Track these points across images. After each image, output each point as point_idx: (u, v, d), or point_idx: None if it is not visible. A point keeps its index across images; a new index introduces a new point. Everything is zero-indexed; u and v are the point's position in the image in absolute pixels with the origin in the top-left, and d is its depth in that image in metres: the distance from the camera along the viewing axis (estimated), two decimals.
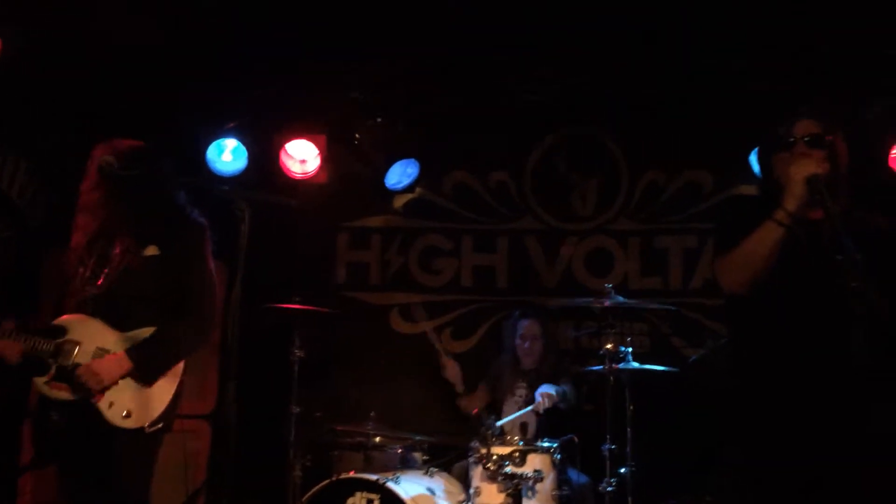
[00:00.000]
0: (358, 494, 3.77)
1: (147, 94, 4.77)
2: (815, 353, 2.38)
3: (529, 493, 3.85)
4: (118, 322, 2.91)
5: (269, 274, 4.31)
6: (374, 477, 3.79)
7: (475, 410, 4.14)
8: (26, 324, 2.90)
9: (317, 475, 4.03)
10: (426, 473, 4.07)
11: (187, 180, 3.16)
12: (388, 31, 4.45)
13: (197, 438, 4.91)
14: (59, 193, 4.68)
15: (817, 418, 2.34)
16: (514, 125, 5.39)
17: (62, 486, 2.90)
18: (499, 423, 4.36)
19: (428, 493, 3.91)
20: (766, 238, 2.37)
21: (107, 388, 2.82)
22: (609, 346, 4.22)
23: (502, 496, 3.84)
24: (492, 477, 3.88)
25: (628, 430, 4.21)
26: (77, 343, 2.86)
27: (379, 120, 5.10)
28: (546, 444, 4.01)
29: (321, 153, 5.10)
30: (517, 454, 3.91)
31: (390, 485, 3.71)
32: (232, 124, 5.01)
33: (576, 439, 4.19)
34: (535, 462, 3.92)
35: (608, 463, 4.11)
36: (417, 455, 4.32)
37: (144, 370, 2.88)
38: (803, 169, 2.34)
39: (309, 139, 5.09)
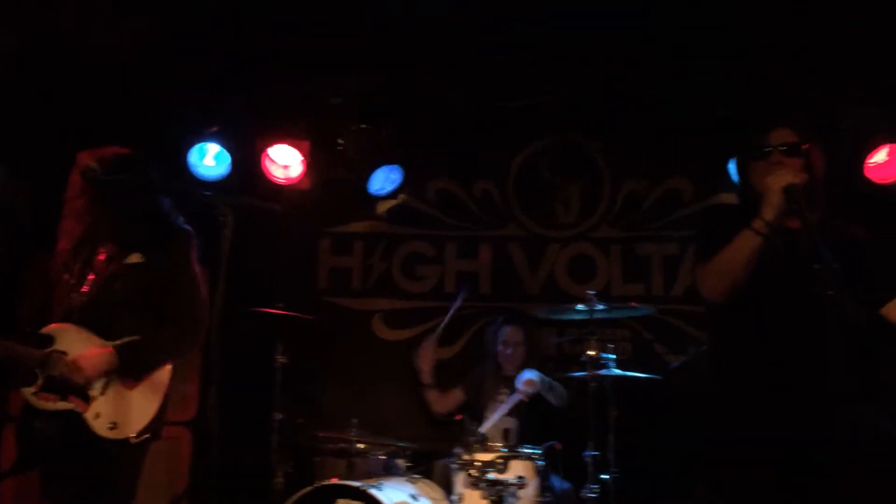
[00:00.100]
0: (340, 501, 3.75)
1: (130, 97, 4.75)
2: (793, 361, 2.41)
3: (512, 500, 3.86)
4: (104, 330, 2.90)
5: (251, 279, 4.30)
6: (356, 483, 3.77)
7: (458, 416, 4.14)
8: (13, 331, 2.89)
9: (299, 482, 4.01)
10: (409, 480, 4.06)
11: (170, 185, 3.15)
12: (373, 38, 4.46)
13: (178, 445, 4.88)
14: (43, 197, 4.65)
15: (795, 425, 2.37)
16: (498, 133, 5.41)
17: (46, 493, 2.88)
18: (483, 427, 4.37)
19: (411, 499, 3.91)
20: (743, 247, 2.40)
21: (90, 380, 2.81)
22: (591, 352, 4.23)
23: (485, 503, 3.84)
24: (474, 483, 3.89)
25: (610, 436, 4.23)
26: (64, 353, 2.85)
27: (363, 126, 5.11)
28: (529, 451, 4.02)
29: (304, 158, 5.10)
30: (500, 461, 3.92)
31: (373, 491, 3.71)
32: (214, 129, 5.00)
33: (558, 446, 4.20)
34: (517, 468, 3.93)
35: (590, 469, 4.13)
36: (400, 462, 4.31)
37: (130, 366, 2.87)
38: (780, 178, 2.37)
39: (292, 144, 5.09)
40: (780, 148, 2.50)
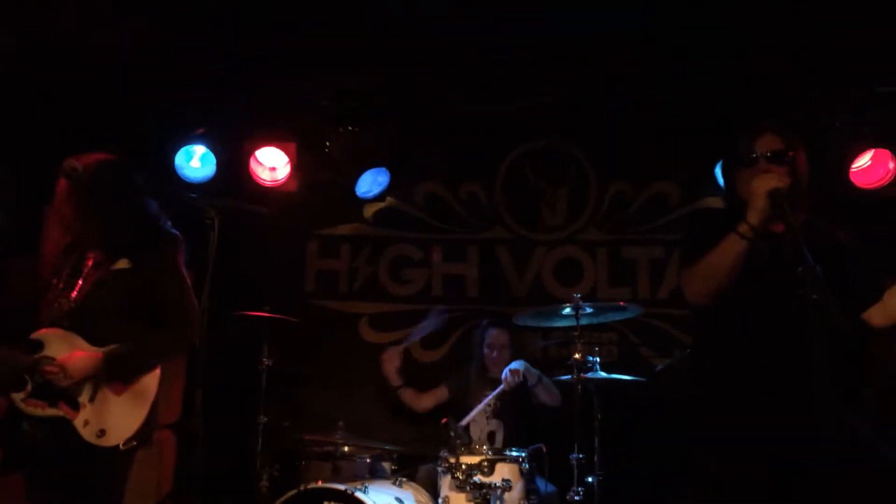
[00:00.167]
0: None
1: (116, 99, 4.73)
2: (776, 363, 2.43)
3: (497, 503, 3.86)
4: (94, 337, 2.90)
5: (237, 281, 4.29)
6: (342, 487, 3.77)
7: (444, 420, 4.14)
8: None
9: (284, 485, 4.00)
10: (395, 483, 4.06)
11: (156, 187, 3.13)
12: (362, 40, 4.46)
13: (163, 448, 4.85)
14: (25, 198, 4.62)
15: (778, 427, 2.38)
16: (485, 136, 5.42)
17: (30, 496, 2.87)
18: (464, 421, 4.38)
19: (396, 502, 3.90)
20: (729, 250, 2.42)
21: (74, 381, 2.79)
22: (577, 355, 4.24)
23: None
24: (460, 486, 3.89)
25: (596, 439, 4.24)
26: (53, 360, 2.84)
27: (350, 128, 5.10)
28: (514, 454, 4.02)
29: (291, 161, 5.09)
30: (485, 463, 3.92)
31: (358, 494, 3.70)
32: (201, 131, 4.98)
33: (544, 448, 4.20)
34: (503, 471, 3.93)
35: (576, 472, 4.13)
36: (386, 465, 4.31)
37: (117, 371, 2.86)
38: (765, 183, 2.39)
39: (279, 147, 5.08)
40: (766, 155, 2.52)
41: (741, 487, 2.42)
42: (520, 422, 4.67)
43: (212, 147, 4.99)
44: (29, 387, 2.81)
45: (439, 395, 4.97)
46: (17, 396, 2.81)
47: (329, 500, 3.75)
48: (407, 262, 5.56)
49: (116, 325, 2.91)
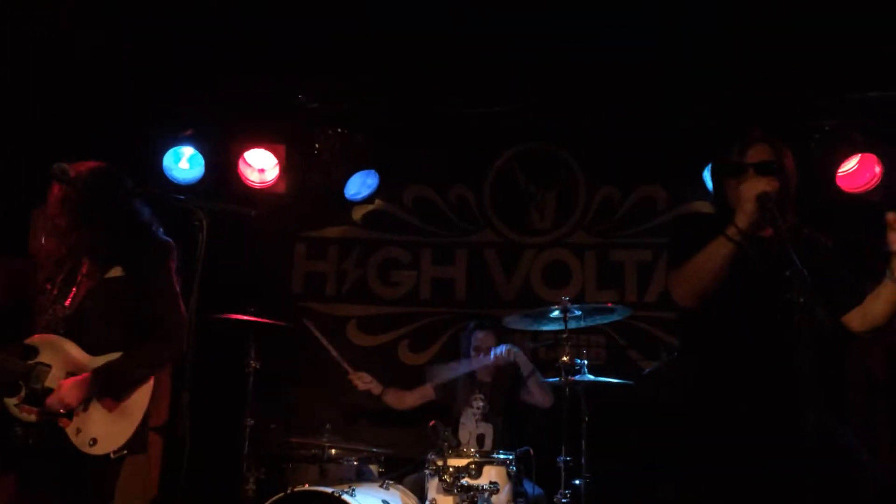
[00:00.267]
0: None
1: (104, 100, 4.71)
2: (762, 367, 2.44)
3: None
4: (88, 344, 2.93)
5: (225, 283, 4.26)
6: (329, 490, 3.75)
7: (431, 422, 4.13)
8: None
9: (271, 488, 3.98)
10: (382, 486, 4.05)
11: (144, 189, 3.13)
12: (350, 43, 4.46)
13: (149, 451, 4.81)
14: (10, 199, 4.59)
15: (764, 430, 2.39)
16: (475, 139, 5.43)
17: (21, 498, 2.88)
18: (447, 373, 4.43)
19: None
20: (716, 253, 2.43)
21: (71, 408, 2.82)
22: (565, 358, 4.25)
23: None
24: (448, 489, 3.88)
25: (583, 441, 4.25)
26: (48, 367, 2.86)
27: (339, 131, 5.09)
28: (502, 456, 4.02)
29: (280, 163, 5.07)
30: (473, 466, 3.92)
31: (346, 498, 3.69)
32: (189, 132, 4.96)
33: (531, 451, 4.21)
34: (490, 474, 3.93)
35: (563, 475, 4.14)
36: (373, 468, 4.30)
37: (109, 389, 2.90)
38: (754, 187, 2.41)
39: (268, 148, 5.07)
40: (756, 165, 2.55)
41: (727, 490, 2.43)
42: (508, 425, 4.67)
43: (200, 148, 4.98)
44: (23, 392, 2.83)
45: (425, 392, 4.95)
46: (11, 402, 2.83)
47: None
48: (395, 264, 5.56)
49: (110, 332, 2.95)
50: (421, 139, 5.42)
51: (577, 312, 4.29)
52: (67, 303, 2.93)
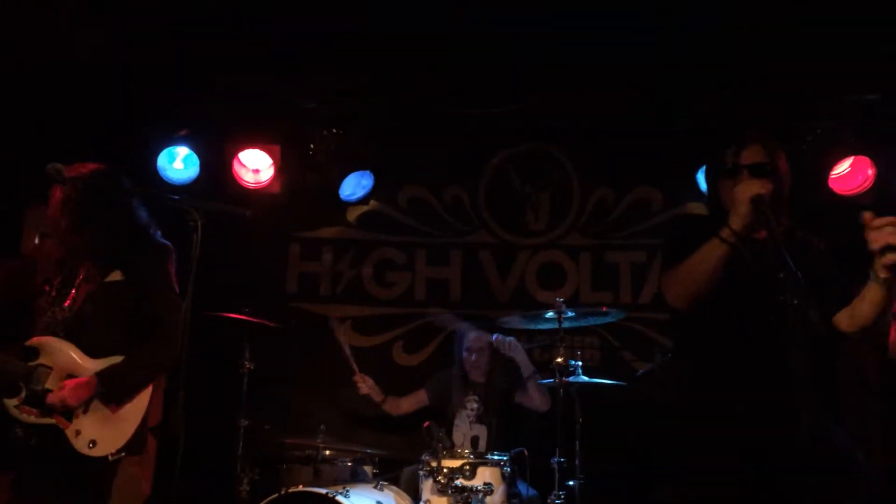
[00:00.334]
0: None
1: (99, 99, 4.69)
2: (756, 368, 2.45)
3: None
4: (88, 346, 2.94)
5: (219, 283, 4.26)
6: (323, 491, 3.75)
7: (426, 423, 4.13)
8: None
9: (265, 489, 3.98)
10: (376, 487, 4.05)
11: (142, 189, 3.13)
12: (345, 44, 4.46)
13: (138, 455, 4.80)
14: (2, 201, 4.58)
15: (757, 430, 2.40)
16: (470, 140, 5.43)
17: (17, 497, 2.88)
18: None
19: None
20: (710, 255, 2.44)
21: (72, 409, 2.83)
22: (559, 359, 4.25)
23: None
24: (442, 490, 3.88)
25: (577, 443, 4.25)
26: (49, 368, 2.88)
27: (334, 131, 5.09)
28: (496, 457, 4.02)
29: (275, 163, 5.07)
30: (467, 467, 3.92)
31: (340, 498, 3.68)
32: (184, 132, 4.95)
33: (526, 452, 4.21)
34: (484, 475, 3.93)
35: (557, 476, 4.14)
36: (367, 468, 4.29)
37: (112, 393, 2.92)
38: (748, 189, 2.41)
39: (263, 149, 5.06)
40: (750, 166, 2.55)
41: (721, 491, 2.43)
42: (503, 426, 4.67)
43: (195, 149, 4.97)
44: (23, 394, 2.84)
45: (419, 397, 4.95)
46: (11, 403, 2.84)
47: None
48: (390, 265, 5.56)
49: (110, 335, 2.96)
50: (416, 140, 5.42)
51: (570, 314, 4.30)
52: (67, 305, 2.94)
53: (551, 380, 4.29)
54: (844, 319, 2.50)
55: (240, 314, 4.30)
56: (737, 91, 4.73)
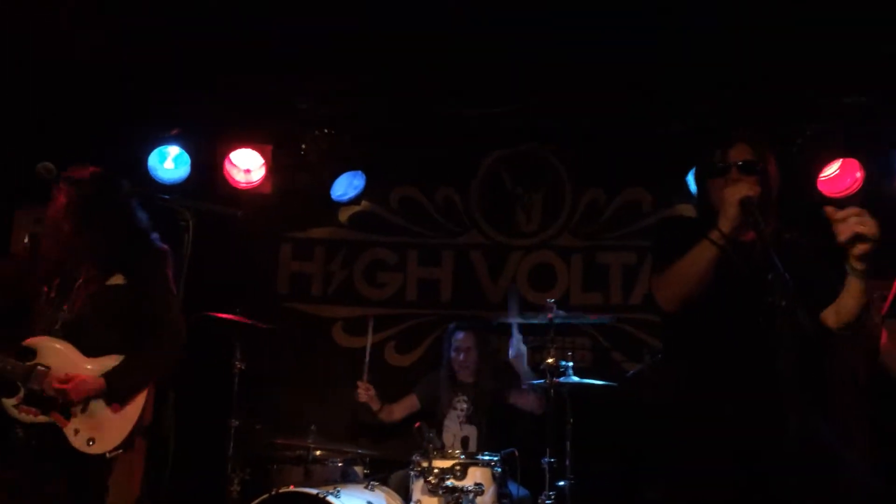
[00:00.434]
0: None
1: (90, 99, 4.68)
2: (745, 369, 2.46)
3: None
4: (86, 347, 2.95)
5: (210, 283, 4.25)
6: (313, 491, 3.75)
7: (416, 424, 4.14)
8: None
9: (256, 489, 3.97)
10: (367, 487, 4.05)
11: (139, 190, 3.14)
12: (337, 44, 4.45)
13: (132, 452, 4.79)
14: None
15: (747, 432, 2.41)
16: (461, 141, 5.43)
17: (15, 496, 2.88)
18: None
19: None
20: (700, 257, 2.45)
21: (72, 403, 2.85)
22: (550, 360, 4.27)
23: None
24: (432, 490, 3.89)
25: (567, 443, 4.26)
26: (47, 368, 2.89)
27: (326, 131, 5.09)
28: (487, 458, 4.03)
29: (266, 163, 5.06)
30: (458, 467, 3.93)
31: (330, 499, 3.68)
32: (175, 131, 4.94)
33: (516, 453, 4.22)
34: (475, 475, 3.94)
35: (548, 476, 4.15)
36: (358, 469, 4.29)
37: (117, 393, 2.95)
38: (737, 191, 2.43)
39: (254, 149, 5.05)
40: (737, 164, 2.57)
41: (711, 492, 2.44)
42: (493, 426, 4.68)
43: (186, 148, 4.96)
44: (21, 393, 2.86)
45: (410, 403, 4.95)
46: (9, 402, 2.86)
47: None
48: (381, 266, 5.56)
49: (109, 335, 2.98)
50: (408, 140, 5.42)
51: (562, 313, 4.32)
52: (66, 306, 2.96)
53: (542, 380, 4.30)
54: (831, 316, 2.52)
55: (231, 314, 4.29)
56: (735, 92, 4.74)
